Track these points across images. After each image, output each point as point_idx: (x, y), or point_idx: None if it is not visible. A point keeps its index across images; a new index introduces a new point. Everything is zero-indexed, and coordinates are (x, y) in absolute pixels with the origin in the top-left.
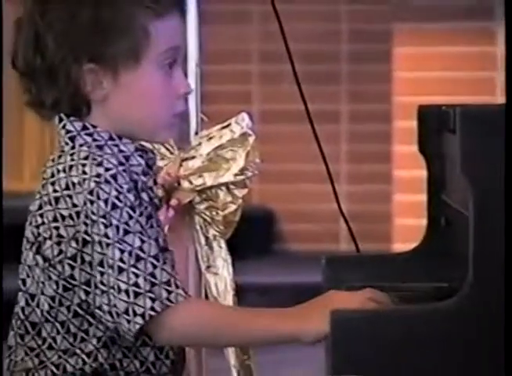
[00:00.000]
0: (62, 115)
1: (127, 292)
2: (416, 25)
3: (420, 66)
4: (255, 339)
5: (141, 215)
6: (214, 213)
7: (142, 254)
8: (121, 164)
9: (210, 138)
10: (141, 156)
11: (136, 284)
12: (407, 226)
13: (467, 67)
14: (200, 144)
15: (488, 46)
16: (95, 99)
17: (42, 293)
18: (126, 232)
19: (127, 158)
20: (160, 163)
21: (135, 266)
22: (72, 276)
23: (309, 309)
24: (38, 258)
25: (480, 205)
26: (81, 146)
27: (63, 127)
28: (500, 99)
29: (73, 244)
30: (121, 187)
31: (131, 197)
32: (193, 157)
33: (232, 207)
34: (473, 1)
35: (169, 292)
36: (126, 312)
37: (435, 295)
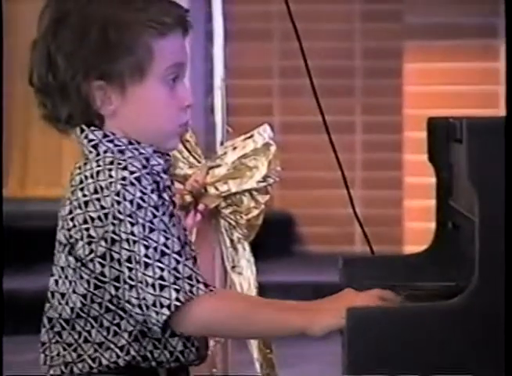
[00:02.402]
0: (83, 126)
1: (153, 286)
2: (424, 43)
3: (428, 81)
4: (267, 331)
5: (164, 214)
6: (238, 217)
7: (166, 250)
8: (144, 167)
9: (235, 147)
10: (159, 157)
11: (161, 278)
12: (417, 230)
13: (473, 82)
14: (225, 153)
15: (492, 62)
16: (106, 113)
17: (74, 291)
18: (151, 230)
19: (147, 159)
20: (188, 171)
21: (159, 261)
22: (102, 274)
23: (319, 305)
24: (71, 258)
25: (485, 210)
26: (105, 152)
27: (86, 137)
28: (503, 111)
29: (103, 244)
30: (145, 188)
31: (154, 197)
32: (219, 166)
33: (255, 211)
34: (478, 21)
35: (191, 286)
36: (154, 304)
37: (444, 294)
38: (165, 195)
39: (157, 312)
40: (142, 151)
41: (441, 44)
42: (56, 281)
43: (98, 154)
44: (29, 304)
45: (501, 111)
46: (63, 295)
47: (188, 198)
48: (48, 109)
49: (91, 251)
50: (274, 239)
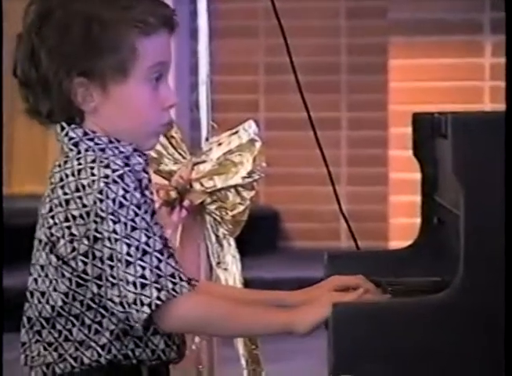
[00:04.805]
0: (63, 124)
1: (134, 284)
2: (409, 39)
3: (413, 77)
4: (250, 330)
5: (146, 212)
6: (223, 213)
7: (147, 249)
8: (127, 165)
9: (220, 144)
10: (139, 155)
11: (143, 276)
12: (402, 225)
13: (458, 77)
14: (210, 149)
15: (476, 58)
16: (86, 110)
17: (55, 289)
18: (133, 228)
19: (127, 158)
20: (173, 167)
21: (141, 260)
22: (85, 272)
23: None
24: (52, 257)
25: (470, 205)
26: (86, 150)
27: (66, 134)
28: (488, 106)
29: (85, 242)
30: (128, 186)
31: (137, 195)
32: (204, 162)
33: (241, 207)
34: (463, 16)
35: (174, 284)
36: (134, 302)
37: (429, 288)
38: (147, 193)
39: (138, 310)
40: (122, 150)
41: (426, 40)
42: (36, 280)
43: (79, 152)
44: (14, 302)
45: (486, 106)
46: (43, 294)
47: (173, 194)
48: (30, 103)
49: (74, 249)
50: (259, 235)
